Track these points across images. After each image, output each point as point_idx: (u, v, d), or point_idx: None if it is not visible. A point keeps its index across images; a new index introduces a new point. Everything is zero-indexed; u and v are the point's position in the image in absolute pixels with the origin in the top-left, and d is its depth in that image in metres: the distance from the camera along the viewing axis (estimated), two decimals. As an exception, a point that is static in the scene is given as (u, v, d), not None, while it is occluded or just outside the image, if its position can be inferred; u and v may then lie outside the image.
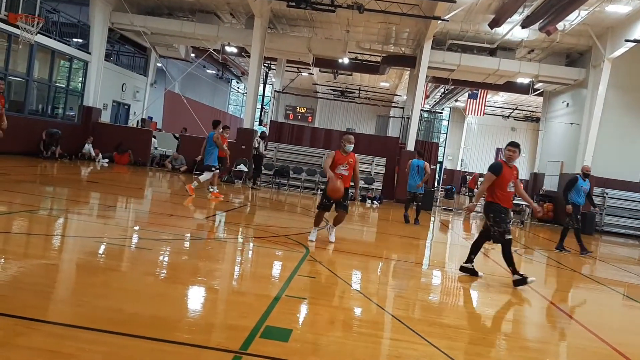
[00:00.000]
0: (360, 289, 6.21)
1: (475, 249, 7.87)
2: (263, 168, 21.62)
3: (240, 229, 10.15)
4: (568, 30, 19.83)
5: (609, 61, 20.19)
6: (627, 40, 18.41)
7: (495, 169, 7.48)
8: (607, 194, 21.07)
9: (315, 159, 22.40)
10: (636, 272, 12.11)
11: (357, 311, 5.28)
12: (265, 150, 21.23)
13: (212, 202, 13.36)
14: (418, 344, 4.30)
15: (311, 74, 34.32)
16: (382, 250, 10.32)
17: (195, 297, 5.04)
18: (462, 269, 7.95)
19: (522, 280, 7.33)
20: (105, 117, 25.17)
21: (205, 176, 13.94)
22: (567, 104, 24.07)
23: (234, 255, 7.49)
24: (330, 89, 38.60)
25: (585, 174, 12.80)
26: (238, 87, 48.59)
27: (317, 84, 38.44)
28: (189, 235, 8.44)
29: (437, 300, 6.47)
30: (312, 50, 24.87)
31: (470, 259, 7.84)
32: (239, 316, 4.47)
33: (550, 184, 23.96)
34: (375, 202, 20.10)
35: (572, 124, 22.74)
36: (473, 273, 7.83)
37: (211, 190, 14.16)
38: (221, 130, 14.33)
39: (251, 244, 8.59)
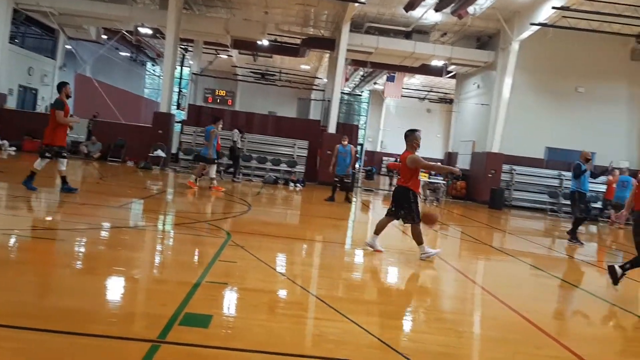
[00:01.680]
0: (283, 272, 6.24)
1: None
2: (182, 153, 21.14)
3: (160, 216, 9.90)
4: (478, 14, 20.58)
5: (516, 44, 21.17)
6: (532, 24, 19.37)
7: None
8: (514, 170, 22.25)
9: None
10: (542, 243, 12.91)
11: (280, 293, 5.31)
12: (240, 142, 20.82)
13: (190, 192, 13.65)
14: (339, 322, 4.38)
15: (230, 56, 33.74)
16: (306, 232, 10.41)
17: (113, 288, 4.88)
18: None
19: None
20: (11, 103, 23.65)
21: (212, 171, 14.80)
22: (478, 86, 25.11)
23: (153, 243, 7.31)
24: (251, 72, 38.13)
25: (586, 159, 12.22)
26: (154, 70, 46.96)
27: (237, 67, 37.85)
28: (105, 224, 8.14)
29: (359, 279, 6.62)
30: (230, 31, 24.44)
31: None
32: (158, 305, 4.38)
33: (463, 163, 24.97)
34: (298, 184, 20.20)
35: (482, 104, 23.75)
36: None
37: (212, 185, 14.70)
38: (221, 126, 15.08)
39: (171, 231, 8.41)
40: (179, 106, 33.07)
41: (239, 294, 5.03)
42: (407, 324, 4.87)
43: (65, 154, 10.65)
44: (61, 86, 10.56)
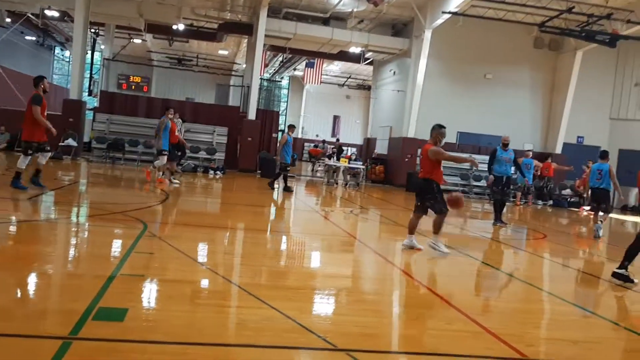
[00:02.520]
0: (203, 261, 6.18)
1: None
2: (94, 142, 20.29)
3: (73, 208, 9.49)
4: (393, 1, 21.00)
5: (429, 32, 21.82)
6: (444, 12, 20.03)
7: None
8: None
9: (152, 131, 21.42)
10: (454, 223, 13.49)
11: (200, 283, 5.26)
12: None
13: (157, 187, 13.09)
14: (260, 309, 4.41)
15: (144, 40, 32.56)
16: (227, 220, 10.32)
17: (22, 284, 4.65)
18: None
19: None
20: None
21: (160, 161, 13.91)
22: (394, 73, 25.71)
23: (65, 237, 7.01)
24: (167, 57, 37.02)
25: (505, 144, 12.53)
26: (63, 55, 44.54)
27: (152, 52, 36.62)
28: (13, 218, 7.70)
29: (281, 265, 6.66)
30: (144, 15, 23.57)
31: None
32: (70, 300, 4.23)
33: (382, 148, 25.57)
34: (218, 172, 19.93)
35: (398, 91, 24.36)
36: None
37: (158, 176, 14.06)
38: (171, 115, 14.17)
39: (85, 224, 8.09)
40: (90, 93, 31.59)
41: (157, 285, 4.93)
42: (327, 307, 4.98)
43: (48, 148, 10.22)
44: (38, 80, 10.04)
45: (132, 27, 26.46)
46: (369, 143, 28.25)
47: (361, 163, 22.50)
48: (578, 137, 24.28)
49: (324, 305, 5.02)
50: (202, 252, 6.82)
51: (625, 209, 21.64)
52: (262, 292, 4.90)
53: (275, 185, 16.04)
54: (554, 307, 5.80)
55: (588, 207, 19.54)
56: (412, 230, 7.99)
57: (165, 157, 14.00)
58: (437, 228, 7.84)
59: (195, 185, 16.34)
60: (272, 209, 12.93)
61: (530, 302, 5.99)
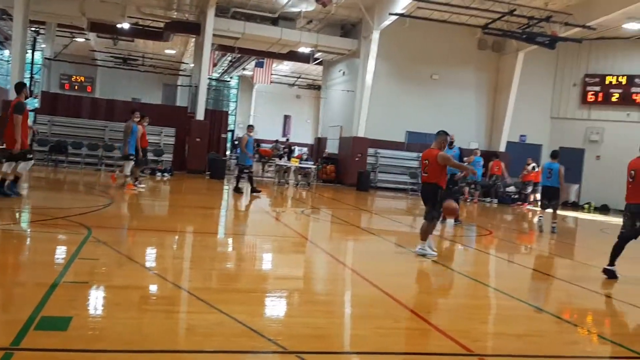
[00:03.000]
0: (151, 266, 6.06)
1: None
2: (36, 144, 19.54)
3: (12, 213, 9.12)
4: (341, 2, 21.13)
5: (377, 33, 22.07)
6: (391, 14, 20.30)
7: None
8: (379, 153, 23.32)
9: (97, 132, 20.90)
10: (404, 221, 13.73)
11: (147, 289, 5.16)
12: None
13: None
14: (209, 314, 4.36)
15: (87, 39, 31.63)
16: (175, 223, 10.14)
17: (-45, 297, 4.45)
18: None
19: None
20: None
21: (126, 167, 13.53)
22: (344, 73, 25.89)
23: (6, 244, 6.72)
24: (111, 56, 36.03)
25: (450, 142, 12.28)
26: (2, 55, 42.71)
27: (95, 51, 35.59)
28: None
29: (231, 268, 6.61)
30: (86, 13, 22.89)
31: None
32: (11, 309, 4.07)
33: (332, 147, 25.70)
34: (165, 174, 19.55)
35: (348, 91, 24.54)
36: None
37: (128, 182, 13.58)
38: (137, 118, 13.73)
39: (26, 230, 7.79)
40: (31, 94, 30.45)
41: (102, 292, 4.81)
42: (277, 310, 4.97)
43: (30, 156, 10.10)
44: (21, 87, 9.67)
45: (75, 26, 25.67)
46: (320, 142, 28.34)
47: (312, 163, 22.56)
48: (521, 135, 25.07)
49: (274, 308, 5.01)
50: (149, 256, 6.69)
51: (565, 205, 22.50)
52: (212, 296, 4.85)
53: (225, 187, 15.88)
54: (499, 303, 5.98)
55: (531, 204, 20.25)
56: (424, 237, 7.93)
57: (132, 162, 13.62)
58: (425, 235, 7.88)
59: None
60: (222, 211, 12.80)
61: (477, 298, 6.16)
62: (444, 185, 7.88)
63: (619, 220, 19.71)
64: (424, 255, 7.72)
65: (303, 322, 4.50)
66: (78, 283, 4.90)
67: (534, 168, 20.90)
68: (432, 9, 19.61)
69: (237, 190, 15.39)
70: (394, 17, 20.41)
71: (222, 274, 6.07)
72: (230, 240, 8.76)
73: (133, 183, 13.85)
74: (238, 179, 15.77)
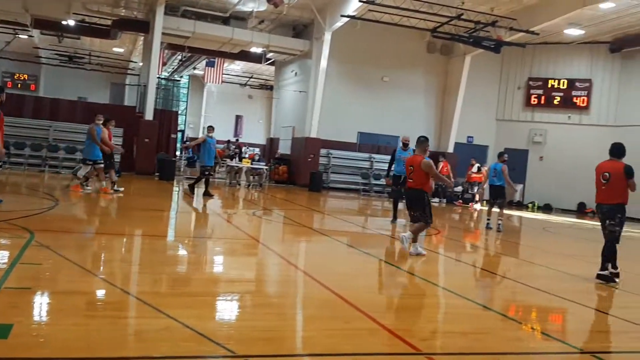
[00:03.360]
0: (97, 271, 5.91)
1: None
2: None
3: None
4: (293, 3, 21.15)
5: (329, 34, 22.19)
6: (342, 16, 20.45)
7: None
8: (331, 154, 23.47)
9: (41, 132, 20.20)
10: (356, 221, 13.86)
11: (93, 294, 5.02)
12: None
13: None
14: (156, 318, 4.28)
15: (31, 36, 30.50)
16: (123, 226, 9.92)
17: None
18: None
19: None
20: None
21: (82, 170, 13.07)
22: (296, 73, 25.91)
23: (-61, 250, 6.42)
24: (56, 54, 34.85)
25: (405, 144, 12.73)
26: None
27: (40, 48, 34.35)
28: None
29: (180, 271, 6.52)
30: (30, 10, 22.12)
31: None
32: (-55, 320, 3.89)
33: (285, 148, 25.68)
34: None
35: (300, 91, 24.58)
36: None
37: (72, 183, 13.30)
38: (99, 121, 13.24)
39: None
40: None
41: (46, 298, 4.66)
42: (227, 313, 4.93)
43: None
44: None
45: (17, 22, 24.74)
46: (272, 143, 28.27)
47: (264, 163, 22.47)
48: (468, 136, 25.73)
49: (224, 311, 4.97)
50: (96, 261, 6.52)
51: (510, 204, 23.21)
52: (160, 300, 4.77)
53: (175, 188, 15.63)
54: (447, 301, 6.12)
55: (478, 204, 20.79)
56: (414, 239, 8.21)
57: (89, 167, 13.14)
58: (415, 236, 8.18)
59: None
60: (172, 213, 12.60)
61: (425, 297, 6.29)
62: (429, 190, 8.30)
63: (561, 219, 20.54)
64: (418, 255, 8.11)
65: (253, 325, 4.48)
66: (20, 289, 4.73)
67: (478, 169, 21.46)
68: (382, 11, 19.85)
69: (207, 194, 14.76)
70: (345, 19, 20.59)
71: (171, 278, 5.98)
72: (180, 243, 8.63)
73: (107, 187, 13.61)
74: (207, 182, 15.09)
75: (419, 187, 8.18)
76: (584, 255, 10.94)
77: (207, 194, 14.79)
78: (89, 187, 13.72)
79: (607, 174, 7.52)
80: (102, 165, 13.25)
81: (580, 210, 23.49)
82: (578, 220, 20.26)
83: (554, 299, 6.47)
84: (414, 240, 8.18)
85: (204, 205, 13.86)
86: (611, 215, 7.47)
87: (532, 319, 5.78)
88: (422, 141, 8.50)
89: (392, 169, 12.76)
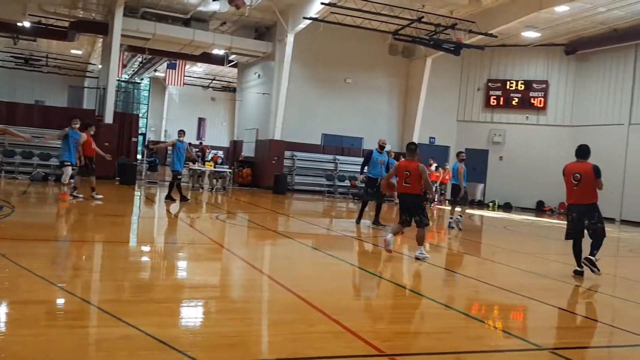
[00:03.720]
0: (55, 279, 5.75)
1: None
2: None
3: None
4: (255, 5, 21.06)
5: (291, 36, 22.18)
6: (305, 18, 20.48)
7: None
8: (295, 156, 23.45)
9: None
10: (320, 224, 13.88)
11: (51, 303, 4.89)
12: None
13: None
14: (116, 327, 4.20)
15: (-16, 38, 29.60)
16: (83, 232, 9.70)
17: None
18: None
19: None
20: None
21: (64, 175, 12.77)
22: (259, 75, 25.81)
23: None
24: (12, 56, 33.87)
25: (381, 147, 12.66)
26: None
27: (-7, 50, 33.36)
28: None
29: (141, 278, 6.40)
30: (-19, 10, 21.43)
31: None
32: None
33: (248, 150, 25.55)
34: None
35: (264, 94, 24.49)
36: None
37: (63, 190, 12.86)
38: (76, 125, 12.98)
39: None
40: None
41: (3, 308, 4.53)
42: (190, 320, 4.88)
43: None
44: None
45: (-33, 23, 23.96)
46: (236, 146, 28.08)
47: (228, 166, 22.30)
48: (430, 137, 26.06)
49: (187, 318, 4.92)
50: (54, 269, 6.35)
51: (471, 203, 23.62)
52: (120, 308, 4.68)
53: (136, 193, 15.36)
54: (409, 302, 6.19)
55: (442, 203, 21.10)
56: (395, 234, 8.81)
57: (69, 169, 12.91)
58: (421, 240, 8.47)
59: (46, 195, 15.17)
60: (134, 218, 12.38)
61: (389, 298, 6.34)
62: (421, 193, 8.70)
63: (520, 218, 21.00)
64: (423, 259, 8.33)
65: (217, 331, 4.45)
66: (-28, 301, 4.58)
67: (437, 168, 21.74)
68: (344, 14, 19.96)
69: (184, 199, 14.60)
70: (308, 21, 20.62)
71: (132, 285, 5.87)
72: (141, 249, 8.50)
73: (73, 192, 13.45)
74: (179, 187, 14.86)
75: (417, 192, 8.45)
76: (543, 253, 11.23)
77: (168, 197, 14.64)
78: (80, 196, 13.48)
79: (578, 174, 7.81)
80: (69, 167, 13.03)
81: (539, 208, 24.09)
82: (537, 218, 20.76)
83: (515, 296, 6.61)
84: (421, 244, 8.47)
85: (167, 210, 13.67)
86: (590, 215, 7.83)
87: (494, 316, 5.90)
88: (414, 148, 8.76)
89: (366, 171, 12.63)
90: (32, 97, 33.72)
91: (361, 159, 23.76)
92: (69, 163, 12.94)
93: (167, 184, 15.51)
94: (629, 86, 21.97)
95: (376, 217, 12.67)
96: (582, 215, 7.86)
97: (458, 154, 13.75)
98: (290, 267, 7.60)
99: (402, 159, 9.69)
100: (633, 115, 21.80)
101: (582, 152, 7.95)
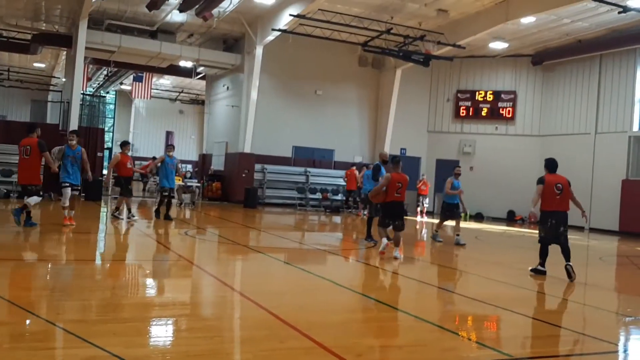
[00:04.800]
0: (17, 300, 5.45)
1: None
2: None
3: None
4: (223, 17, 20.92)
5: (260, 48, 22.08)
6: (273, 30, 20.41)
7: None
8: (266, 169, 23.24)
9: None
10: (292, 237, 13.70)
11: (12, 325, 4.63)
12: None
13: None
14: (79, 348, 3.99)
15: (-58, 51, 28.74)
16: (46, 250, 9.33)
17: None
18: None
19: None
20: None
21: (64, 198, 11.33)
22: (228, 88, 25.61)
23: None
24: (-29, 70, 33.03)
25: (384, 161, 12.39)
26: None
27: (-48, 64, 32.44)
28: None
29: (108, 297, 6.12)
30: (-61, 23, 20.79)
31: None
32: None
33: (218, 164, 25.26)
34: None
35: (233, 106, 24.29)
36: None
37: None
38: (72, 141, 11.46)
39: None
40: None
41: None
42: (158, 339, 4.67)
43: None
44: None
45: None
46: (205, 159, 27.73)
47: (197, 180, 21.96)
48: (401, 148, 26.17)
49: (156, 337, 4.71)
50: (16, 289, 6.05)
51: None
52: (86, 329, 4.45)
53: (103, 209, 14.96)
54: (382, 315, 6.07)
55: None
56: (389, 237, 10.14)
57: (68, 190, 11.23)
58: (398, 242, 9.87)
59: (7, 213, 14.64)
60: (100, 235, 12.01)
61: (361, 311, 6.23)
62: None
63: (492, 227, 21.15)
64: (400, 257, 9.70)
65: (185, 350, 4.25)
66: None
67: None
68: (313, 25, 19.96)
69: (167, 218, 13.90)
70: (276, 33, 20.56)
71: (99, 305, 5.61)
72: (108, 267, 8.20)
73: (113, 214, 13.14)
74: (169, 204, 14.17)
75: (404, 200, 10.02)
76: (514, 262, 11.25)
77: (167, 217, 13.86)
78: (135, 216, 13.38)
79: (560, 184, 8.63)
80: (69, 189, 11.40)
81: (510, 218, 24.34)
82: (508, 228, 20.94)
83: (488, 307, 6.55)
84: (398, 245, 9.81)
85: (133, 227, 13.31)
86: (566, 222, 8.68)
87: (468, 328, 5.81)
88: (399, 161, 10.11)
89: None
90: (-6, 112, 32.85)
91: (332, 171, 23.89)
92: (67, 184, 11.37)
93: (132, 199, 15.06)
94: (594, 96, 22.47)
95: (368, 231, 12.14)
96: (561, 221, 8.60)
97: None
98: (261, 283, 7.41)
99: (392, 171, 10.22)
100: (599, 125, 22.28)
101: (554, 165, 8.83)
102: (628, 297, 8.71)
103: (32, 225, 10.76)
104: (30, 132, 11.16)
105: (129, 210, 13.65)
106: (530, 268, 9.02)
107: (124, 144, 14.11)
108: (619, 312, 7.33)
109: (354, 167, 21.92)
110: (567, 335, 5.64)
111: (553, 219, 8.61)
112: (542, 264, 8.76)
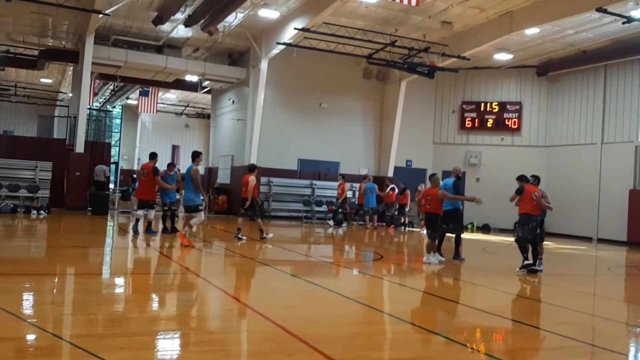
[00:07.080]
0: (26, 315, 5.47)
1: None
2: None
3: None
4: (228, 31, 21.08)
5: (265, 62, 22.20)
6: (278, 43, 20.54)
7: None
8: (272, 182, 23.23)
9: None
10: (299, 250, 13.68)
11: (22, 340, 4.64)
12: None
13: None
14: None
15: (-50, 67, 29.05)
16: (54, 266, 9.33)
17: None
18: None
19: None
20: None
21: (197, 219, 11.92)
22: (233, 101, 25.72)
23: None
24: (-21, 86, 33.37)
25: (458, 177, 12.34)
26: None
27: (-41, 80, 32.78)
28: None
29: (115, 311, 6.13)
30: (-52, 40, 21.04)
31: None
32: None
33: (224, 177, 25.29)
34: (42, 212, 18.06)
35: (238, 120, 24.38)
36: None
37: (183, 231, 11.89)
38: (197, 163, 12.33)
39: None
40: None
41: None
42: (166, 353, 4.66)
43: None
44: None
45: None
46: (211, 173, 27.79)
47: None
48: (407, 160, 26.14)
49: (162, 351, 4.69)
50: (25, 304, 6.06)
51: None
52: (94, 343, 4.46)
53: (108, 222, 14.98)
54: (391, 327, 6.04)
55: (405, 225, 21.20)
56: (429, 250, 11.02)
57: (202, 214, 12.23)
58: (429, 249, 10.90)
59: (15, 228, 14.71)
60: (107, 249, 12.03)
61: (370, 324, 6.18)
62: (441, 212, 11.01)
63: (499, 239, 21.05)
64: (429, 264, 10.71)
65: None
66: None
67: (392, 189, 21.64)
68: (318, 39, 20.08)
69: (174, 231, 13.98)
70: (281, 47, 20.67)
71: (106, 319, 5.61)
72: (115, 281, 8.21)
73: (262, 236, 13.67)
74: (172, 217, 14.41)
75: (436, 211, 10.89)
76: (523, 274, 11.16)
77: (173, 230, 13.99)
78: (243, 237, 13.44)
79: (536, 193, 10.39)
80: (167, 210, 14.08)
81: (517, 229, 24.14)
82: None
83: (496, 318, 6.51)
84: (429, 252, 10.91)
85: (140, 240, 13.32)
86: (542, 224, 10.72)
87: (476, 340, 5.77)
88: (433, 176, 11.54)
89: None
90: (1, 127, 33.09)
91: (338, 183, 23.82)
92: (202, 207, 12.41)
93: (138, 212, 15.01)
94: (599, 106, 22.41)
95: (456, 249, 11.93)
96: (538, 224, 10.43)
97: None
98: (268, 296, 7.40)
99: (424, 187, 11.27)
100: (605, 135, 22.19)
101: (527, 178, 11.18)
102: (638, 307, 8.64)
103: (152, 233, 13.42)
104: (151, 159, 13.73)
105: (262, 231, 13.72)
106: (517, 269, 10.29)
107: (253, 167, 14.30)
108: (629, 323, 7.27)
109: (344, 181, 22.06)
110: (577, 347, 5.59)
111: (533, 221, 10.38)
112: (527, 257, 10.21)
